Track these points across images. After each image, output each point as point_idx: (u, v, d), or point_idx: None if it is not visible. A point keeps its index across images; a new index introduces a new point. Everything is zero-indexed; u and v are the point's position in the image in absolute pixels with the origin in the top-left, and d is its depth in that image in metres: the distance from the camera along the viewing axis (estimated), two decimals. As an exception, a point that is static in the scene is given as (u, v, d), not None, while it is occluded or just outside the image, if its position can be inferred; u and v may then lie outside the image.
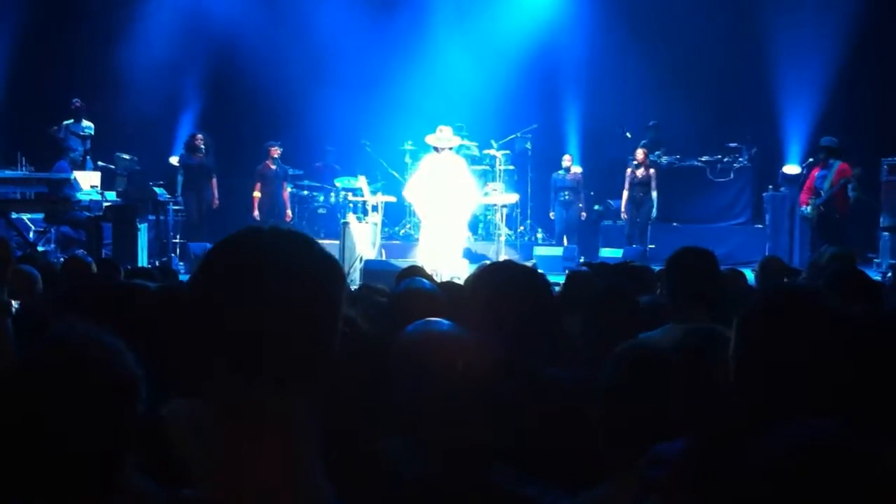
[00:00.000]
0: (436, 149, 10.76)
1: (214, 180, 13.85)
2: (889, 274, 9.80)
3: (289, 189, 14.35)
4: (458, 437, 1.93)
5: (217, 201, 13.84)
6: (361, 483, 1.71)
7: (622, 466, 2.13)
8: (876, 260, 11.77)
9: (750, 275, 6.94)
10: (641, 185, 13.52)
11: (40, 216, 11.41)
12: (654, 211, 13.51)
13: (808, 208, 11.69)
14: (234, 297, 1.26)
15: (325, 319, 1.31)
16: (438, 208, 10.82)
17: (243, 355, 1.25)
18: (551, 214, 14.70)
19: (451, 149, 10.91)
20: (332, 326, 1.32)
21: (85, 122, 13.47)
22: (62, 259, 9.01)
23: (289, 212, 14.19)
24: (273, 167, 13.95)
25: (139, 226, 11.04)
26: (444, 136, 10.82)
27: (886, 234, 11.83)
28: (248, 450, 1.25)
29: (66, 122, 13.40)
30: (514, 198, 13.77)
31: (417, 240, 11.16)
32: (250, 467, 1.24)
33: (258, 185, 13.90)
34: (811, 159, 13.16)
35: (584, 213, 14.59)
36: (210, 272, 1.31)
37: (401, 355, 2.08)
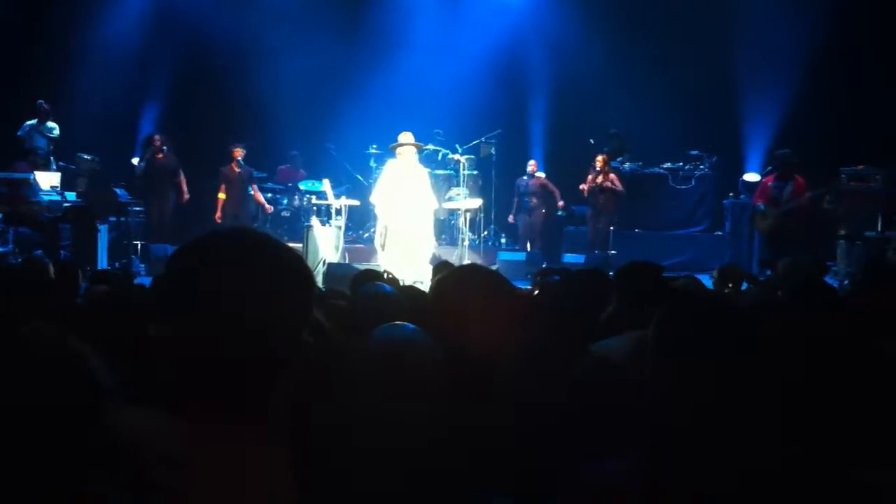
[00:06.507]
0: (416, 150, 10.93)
1: (182, 178, 13.77)
2: (846, 282, 9.94)
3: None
4: (421, 457, 1.88)
5: (187, 195, 13.81)
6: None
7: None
8: (834, 267, 11.92)
9: (708, 282, 7.01)
10: (602, 192, 13.62)
11: (-1, 216, 11.26)
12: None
13: (763, 206, 11.82)
14: (207, 317, 1.23)
15: (295, 327, 1.28)
16: (407, 214, 10.85)
17: (224, 378, 1.22)
18: (510, 219, 14.75)
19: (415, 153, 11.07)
20: (299, 335, 1.30)
21: (50, 124, 13.31)
22: (20, 260, 8.89)
23: (268, 206, 14.27)
24: (237, 169, 13.86)
25: (99, 227, 10.93)
26: (410, 140, 10.98)
27: (844, 241, 12.01)
28: (229, 472, 1.22)
29: (30, 123, 13.24)
30: (477, 203, 13.80)
31: (381, 245, 11.10)
32: (230, 489, 1.21)
33: (222, 187, 13.80)
34: (769, 167, 13.32)
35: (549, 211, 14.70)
36: (178, 287, 1.27)
37: (371, 360, 2.00)
